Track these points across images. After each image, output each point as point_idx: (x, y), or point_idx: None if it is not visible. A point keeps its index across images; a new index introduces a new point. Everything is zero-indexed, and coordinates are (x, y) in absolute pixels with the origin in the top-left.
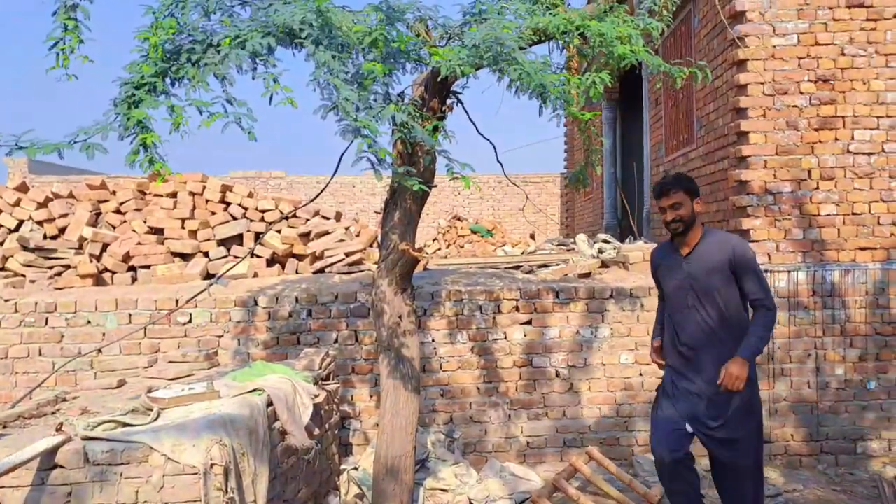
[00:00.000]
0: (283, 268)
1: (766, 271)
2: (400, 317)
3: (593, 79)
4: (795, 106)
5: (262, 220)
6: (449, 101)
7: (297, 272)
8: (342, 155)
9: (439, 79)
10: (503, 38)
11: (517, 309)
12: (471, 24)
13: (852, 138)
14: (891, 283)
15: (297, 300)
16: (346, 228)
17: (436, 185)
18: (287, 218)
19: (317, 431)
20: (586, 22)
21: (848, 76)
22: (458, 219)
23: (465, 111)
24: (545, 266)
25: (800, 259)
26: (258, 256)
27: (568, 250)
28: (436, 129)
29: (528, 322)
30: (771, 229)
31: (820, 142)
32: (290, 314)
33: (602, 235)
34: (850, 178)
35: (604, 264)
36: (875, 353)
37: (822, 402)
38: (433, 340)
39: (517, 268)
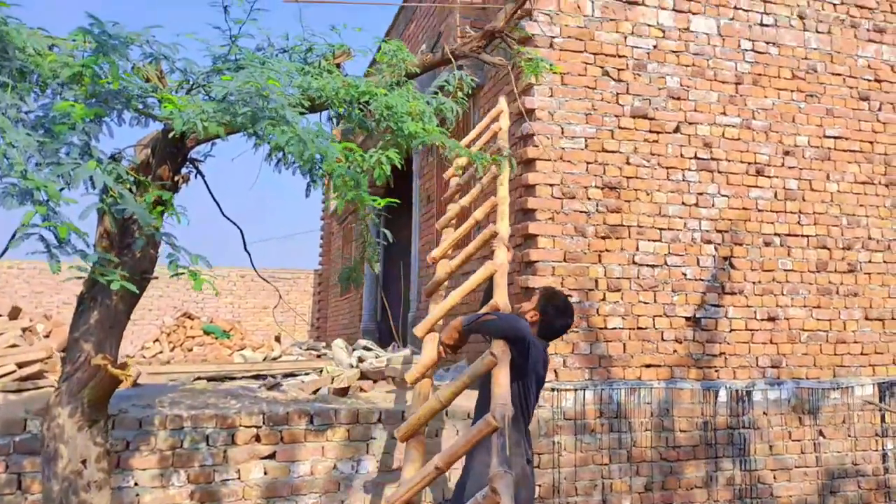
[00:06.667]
0: None
1: (553, 389)
2: (84, 462)
3: (380, 157)
4: (583, 211)
5: None
6: (185, 171)
7: None
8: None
9: (172, 135)
10: (268, 90)
11: (258, 439)
12: (223, 72)
13: (637, 249)
14: (675, 403)
15: None
16: (26, 329)
17: (156, 277)
18: None
19: None
20: (373, 89)
21: (633, 185)
22: (189, 317)
23: (206, 185)
24: (292, 375)
25: (586, 376)
26: None
27: (319, 356)
28: (161, 202)
29: (272, 455)
30: (558, 343)
31: (607, 250)
32: None
33: (363, 341)
34: (636, 291)
35: (363, 375)
36: (661, 480)
37: None
38: (136, 484)
39: (257, 377)
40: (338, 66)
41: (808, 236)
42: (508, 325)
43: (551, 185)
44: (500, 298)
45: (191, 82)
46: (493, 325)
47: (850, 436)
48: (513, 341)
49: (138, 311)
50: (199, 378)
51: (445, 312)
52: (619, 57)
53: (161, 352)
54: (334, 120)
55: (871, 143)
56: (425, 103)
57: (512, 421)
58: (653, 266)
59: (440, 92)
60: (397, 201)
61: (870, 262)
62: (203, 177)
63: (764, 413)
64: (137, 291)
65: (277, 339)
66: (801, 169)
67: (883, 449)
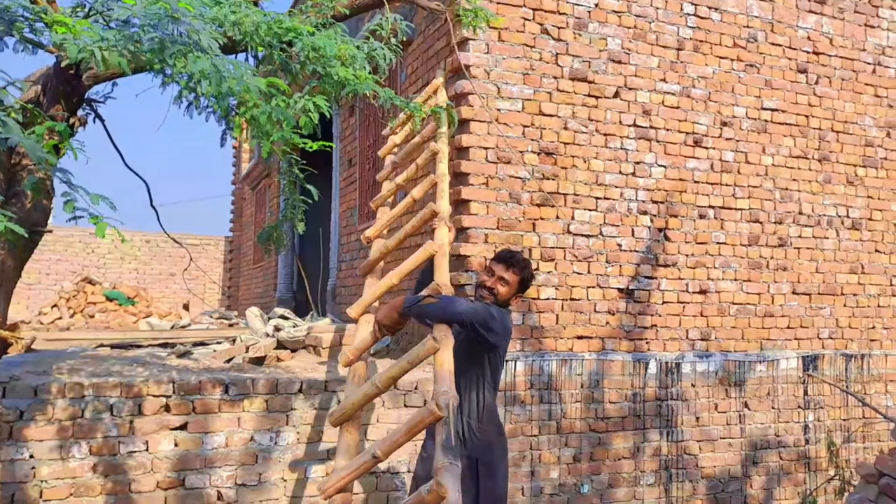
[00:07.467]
0: None
1: None
2: None
3: (306, 103)
4: (519, 177)
5: None
6: (81, 113)
7: None
8: None
9: (65, 65)
10: (180, 13)
11: (167, 408)
12: None
13: (573, 218)
14: (606, 375)
15: None
16: None
17: (50, 230)
18: None
19: None
20: (298, 26)
21: (570, 152)
22: (90, 282)
23: (107, 131)
24: (203, 344)
25: (518, 347)
26: None
27: (231, 325)
28: (57, 135)
29: (183, 426)
30: None
31: (542, 219)
32: None
33: (279, 310)
34: (570, 261)
35: (281, 345)
36: (589, 451)
37: None
38: (31, 457)
39: (165, 345)
40: (255, 3)
41: (741, 209)
42: (452, 309)
43: (486, 149)
44: (442, 279)
45: (87, 7)
46: (434, 308)
47: (773, 408)
48: (458, 324)
49: (34, 274)
50: (102, 345)
51: (381, 294)
52: (560, 14)
53: (60, 318)
54: (252, 62)
55: (806, 116)
56: (355, 48)
57: (487, 394)
58: (588, 236)
59: (372, 37)
60: (331, 144)
61: (800, 236)
62: (103, 121)
63: (692, 385)
64: (28, 236)
65: (185, 306)
66: (737, 141)
67: (804, 421)
